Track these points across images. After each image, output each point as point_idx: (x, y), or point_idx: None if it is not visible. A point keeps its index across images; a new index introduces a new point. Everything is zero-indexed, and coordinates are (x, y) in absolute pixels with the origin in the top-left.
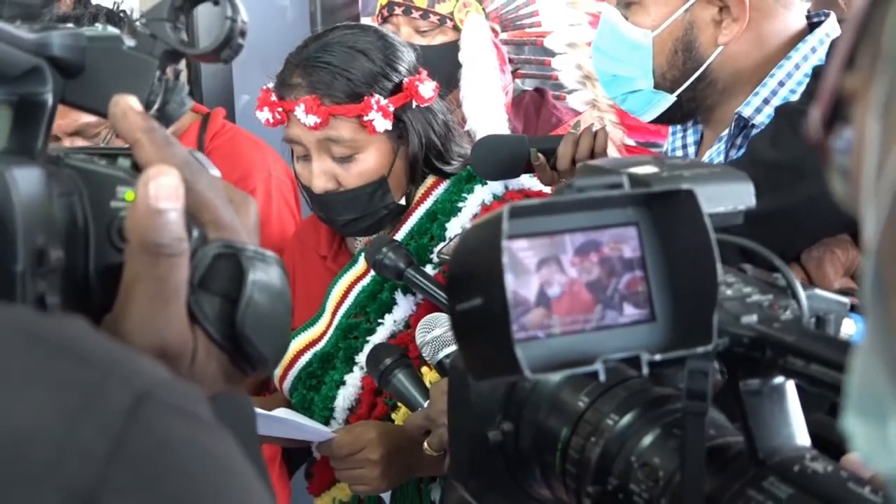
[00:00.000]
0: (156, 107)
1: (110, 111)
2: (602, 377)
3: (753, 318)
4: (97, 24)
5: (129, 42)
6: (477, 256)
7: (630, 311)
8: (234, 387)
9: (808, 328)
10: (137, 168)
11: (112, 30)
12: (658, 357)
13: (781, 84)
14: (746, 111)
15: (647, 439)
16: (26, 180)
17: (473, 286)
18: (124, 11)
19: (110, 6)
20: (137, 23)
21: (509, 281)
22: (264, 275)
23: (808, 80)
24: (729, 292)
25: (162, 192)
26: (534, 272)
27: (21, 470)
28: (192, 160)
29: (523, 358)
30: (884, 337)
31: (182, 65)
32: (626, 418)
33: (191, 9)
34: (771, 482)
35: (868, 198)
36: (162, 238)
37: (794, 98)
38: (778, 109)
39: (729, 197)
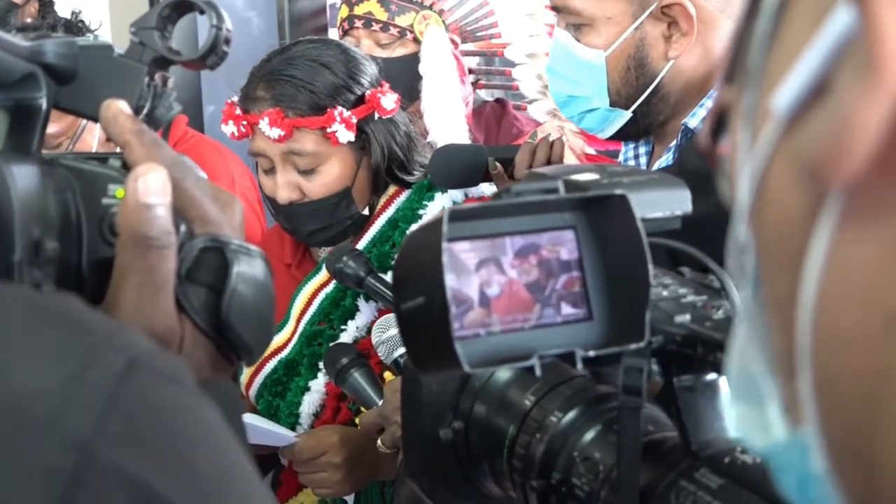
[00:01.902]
0: (145, 111)
1: (101, 115)
2: (538, 372)
3: (686, 317)
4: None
5: (119, 50)
6: (419, 258)
7: (568, 311)
8: (220, 374)
9: None
10: (128, 169)
11: (104, 39)
12: (592, 353)
13: None
14: (692, 122)
15: (589, 435)
16: (23, 176)
17: (416, 286)
18: (82, 21)
19: (78, 16)
20: (129, 32)
21: (449, 281)
22: (248, 267)
23: None
24: (665, 293)
25: (150, 187)
26: (474, 272)
27: (26, 422)
28: (179, 160)
29: (463, 354)
30: (757, 322)
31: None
32: (570, 415)
33: (178, 18)
34: (703, 473)
35: (739, 197)
36: (151, 231)
37: None
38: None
39: (666, 202)
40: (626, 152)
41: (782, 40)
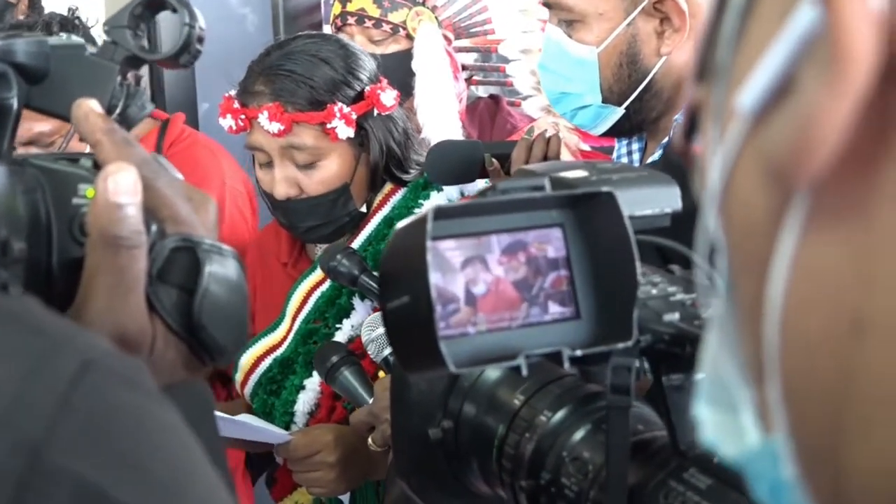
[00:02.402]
0: (118, 110)
1: (73, 114)
2: (524, 371)
3: (675, 315)
4: (55, 32)
5: (92, 49)
6: (405, 256)
7: (555, 309)
8: (193, 375)
9: None
10: (99, 168)
11: (76, 38)
12: (579, 352)
13: None
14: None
15: (579, 434)
16: None
17: (402, 285)
18: (79, 18)
19: (75, 12)
20: (103, 29)
21: (434, 279)
22: (220, 267)
23: None
24: (654, 291)
25: (121, 187)
26: (460, 271)
27: None
28: (151, 160)
29: (448, 353)
30: (730, 327)
31: (144, 70)
32: (559, 414)
33: (151, 16)
34: (692, 473)
35: (707, 196)
36: (121, 231)
37: None
38: None
39: (655, 200)
40: (620, 149)
41: (749, 37)
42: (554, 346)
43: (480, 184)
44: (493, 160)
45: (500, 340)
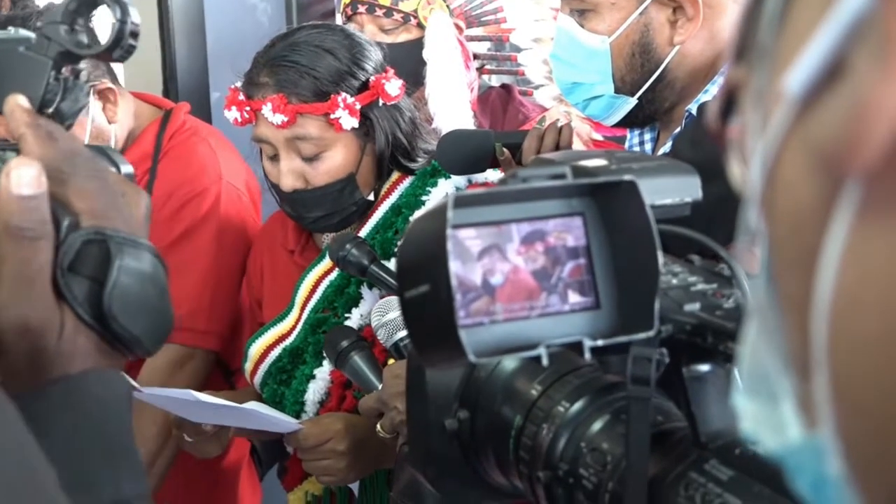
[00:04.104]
0: (54, 105)
1: (3, 109)
2: (545, 361)
3: (696, 305)
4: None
5: (27, 43)
6: (423, 245)
7: (575, 299)
8: (111, 364)
9: None
10: None
11: (23, 32)
12: (600, 342)
13: None
14: (696, 109)
15: (597, 425)
16: None
17: (420, 274)
18: None
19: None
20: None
21: (454, 268)
22: (133, 260)
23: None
24: (674, 281)
25: (23, 180)
26: (479, 260)
27: None
28: (76, 153)
29: (468, 343)
30: (770, 317)
31: (156, 60)
32: (577, 405)
33: (87, 12)
34: (713, 465)
35: (750, 184)
36: (23, 222)
37: None
38: (699, 108)
39: (675, 189)
40: (632, 139)
41: (794, 17)
42: (575, 336)
43: (491, 173)
44: (505, 150)
45: (519, 330)
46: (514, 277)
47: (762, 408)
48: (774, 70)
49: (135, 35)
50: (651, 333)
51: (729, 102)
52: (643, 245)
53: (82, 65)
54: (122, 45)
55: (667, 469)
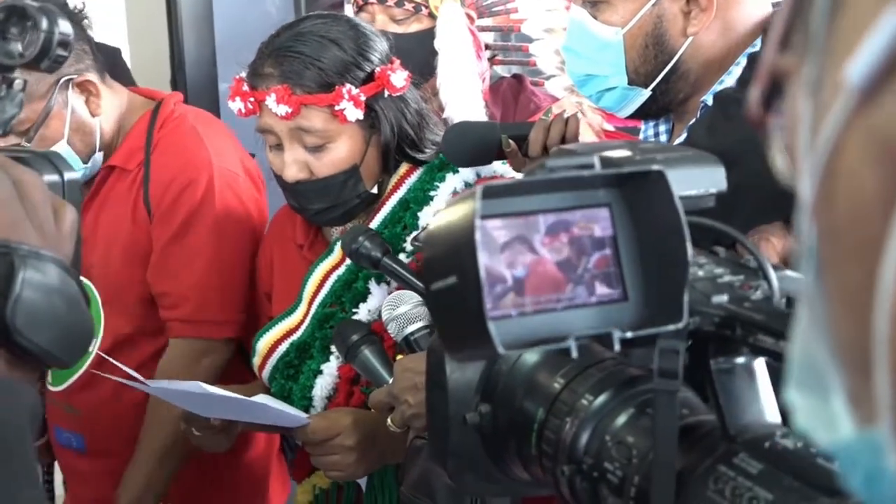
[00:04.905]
0: None
1: None
2: (574, 354)
3: (724, 297)
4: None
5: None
6: (451, 236)
7: (602, 291)
8: (23, 375)
9: (778, 307)
10: None
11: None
12: (629, 334)
13: None
14: (711, 100)
15: (621, 419)
16: None
17: (448, 265)
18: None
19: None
20: None
21: (482, 259)
22: (37, 273)
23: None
24: (700, 273)
25: None
26: (506, 251)
27: None
28: None
29: (496, 334)
30: (821, 311)
31: (164, 51)
32: (601, 398)
33: (18, 22)
34: (742, 458)
35: (801, 174)
36: None
37: None
38: (715, 97)
39: (700, 180)
40: (646, 131)
41: (849, 7)
42: (604, 328)
43: (497, 165)
44: (511, 142)
45: (546, 322)
46: (541, 269)
47: (813, 402)
48: (830, 59)
49: (63, 45)
50: (681, 325)
51: (772, 90)
52: (672, 236)
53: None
54: (49, 55)
55: (694, 462)
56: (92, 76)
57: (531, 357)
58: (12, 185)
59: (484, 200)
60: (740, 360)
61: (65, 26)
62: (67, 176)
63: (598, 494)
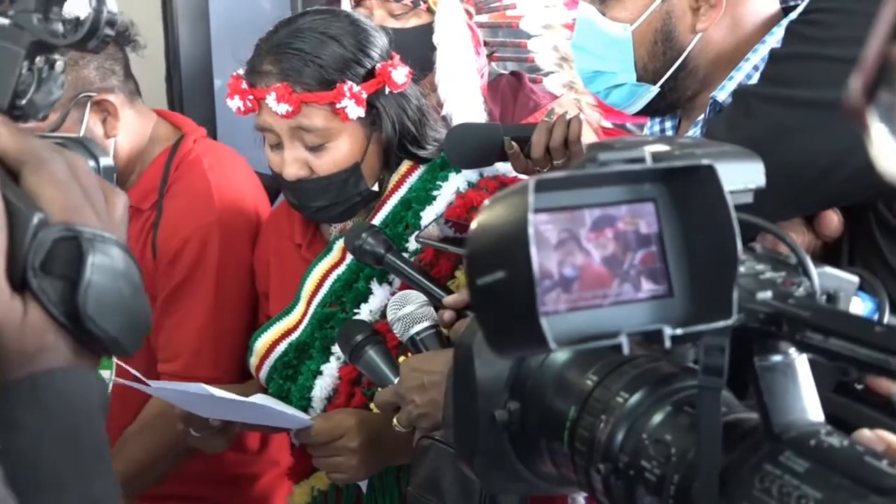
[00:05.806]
0: (28, 96)
1: None
2: (626, 350)
3: (768, 294)
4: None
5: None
6: (499, 229)
7: (648, 287)
8: (84, 364)
9: (822, 304)
10: None
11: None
12: (679, 331)
13: (756, 68)
14: (721, 96)
15: (658, 417)
16: None
17: (496, 259)
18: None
19: None
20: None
21: (534, 254)
22: (104, 256)
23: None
24: (742, 269)
25: None
26: (555, 245)
27: None
28: (45, 148)
29: (549, 330)
30: None
31: (159, 48)
32: (636, 396)
33: (61, 1)
34: (787, 456)
35: None
36: None
37: None
38: (735, 92)
39: (741, 175)
40: (652, 127)
41: None
42: (653, 325)
43: (499, 166)
44: (513, 143)
45: (595, 318)
46: (587, 264)
47: None
48: None
49: (111, 24)
50: (730, 322)
51: (878, 79)
52: (721, 232)
53: (91, 69)
54: (97, 34)
55: (738, 461)
56: (114, 98)
57: (561, 354)
58: (68, 168)
59: (535, 194)
60: (782, 357)
61: (112, 4)
62: (103, 162)
63: (633, 493)
